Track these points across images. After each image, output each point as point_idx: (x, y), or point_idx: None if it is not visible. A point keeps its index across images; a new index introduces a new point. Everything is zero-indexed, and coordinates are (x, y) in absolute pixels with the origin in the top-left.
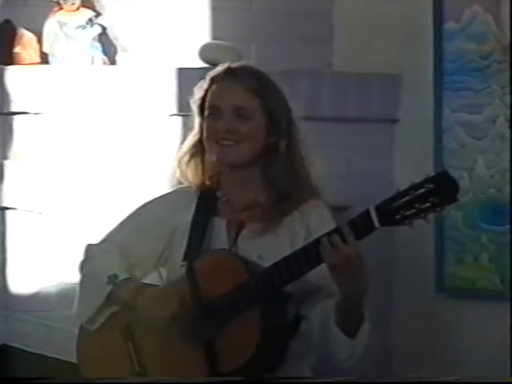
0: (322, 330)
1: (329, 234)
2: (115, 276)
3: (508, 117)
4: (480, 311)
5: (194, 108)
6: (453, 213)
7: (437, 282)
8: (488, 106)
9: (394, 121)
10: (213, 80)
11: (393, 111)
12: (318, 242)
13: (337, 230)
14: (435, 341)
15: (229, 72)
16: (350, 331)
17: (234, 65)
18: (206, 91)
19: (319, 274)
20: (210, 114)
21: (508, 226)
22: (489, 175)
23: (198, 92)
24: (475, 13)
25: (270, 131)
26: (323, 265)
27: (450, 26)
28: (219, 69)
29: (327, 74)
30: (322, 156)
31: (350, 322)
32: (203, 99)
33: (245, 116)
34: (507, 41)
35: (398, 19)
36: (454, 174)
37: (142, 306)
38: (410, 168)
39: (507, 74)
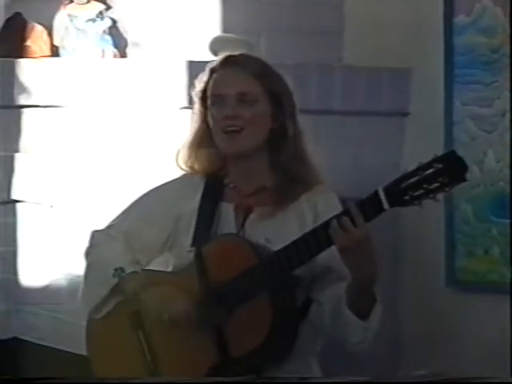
0: (334, 313)
1: (338, 217)
2: (121, 269)
3: None
4: (491, 304)
5: (196, 100)
6: (463, 206)
7: (447, 276)
8: (497, 100)
9: (405, 114)
10: (213, 70)
11: (403, 104)
12: (327, 224)
13: (346, 212)
14: (445, 334)
15: (230, 60)
16: (362, 314)
17: (235, 53)
18: (207, 82)
19: (329, 256)
20: (214, 102)
21: None
22: (498, 168)
23: (199, 84)
24: (485, 6)
25: (276, 116)
26: (333, 247)
27: (460, 19)
28: (218, 59)
29: (337, 68)
30: (332, 149)
31: (361, 305)
32: (204, 91)
33: (249, 101)
34: None
35: (409, 13)
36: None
37: (149, 304)
38: (420, 161)
39: None
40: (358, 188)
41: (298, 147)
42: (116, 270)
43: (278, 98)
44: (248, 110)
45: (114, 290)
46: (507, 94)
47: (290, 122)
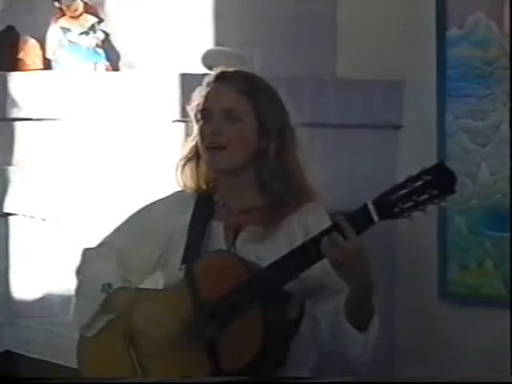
0: (332, 327)
1: (328, 232)
2: (109, 285)
3: None
4: (484, 317)
5: (191, 114)
6: (456, 219)
7: (440, 288)
8: (492, 113)
9: (398, 127)
10: (207, 85)
11: (396, 117)
12: (316, 238)
13: (335, 227)
14: (438, 346)
15: (220, 75)
16: (361, 326)
17: (227, 69)
18: (202, 96)
19: (321, 271)
20: (201, 118)
21: None
22: (493, 181)
23: (196, 98)
24: (478, 19)
25: (262, 135)
26: (325, 263)
27: (453, 32)
28: (213, 74)
29: (331, 81)
30: (326, 162)
31: (360, 317)
32: (199, 104)
33: (234, 118)
34: None
35: (402, 26)
36: (457, 180)
37: (138, 324)
38: (412, 173)
39: None
40: (353, 200)
41: (282, 165)
42: (104, 285)
43: (265, 117)
44: (232, 127)
45: (104, 307)
46: (502, 106)
47: (274, 141)
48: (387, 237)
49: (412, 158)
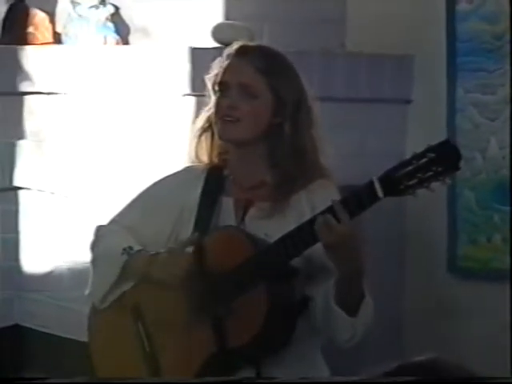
0: (325, 309)
1: (323, 213)
2: (130, 248)
3: None
4: (493, 291)
5: (209, 84)
6: (466, 193)
7: (450, 263)
8: (501, 87)
9: (408, 101)
10: (227, 57)
11: (406, 92)
12: (322, 213)
13: (330, 209)
14: (448, 320)
15: (241, 50)
16: (351, 310)
17: (249, 44)
18: (221, 67)
19: (322, 253)
20: (218, 90)
21: None
22: (501, 156)
23: (215, 68)
24: None
25: (276, 112)
26: None
27: (462, 6)
28: (232, 47)
29: (340, 55)
30: (335, 136)
31: (349, 301)
32: (217, 75)
33: (250, 94)
34: None
35: (411, 0)
36: (467, 154)
37: (155, 271)
38: (423, 148)
39: None
40: (361, 175)
41: (296, 144)
42: (125, 248)
43: (281, 95)
44: (248, 102)
45: (124, 272)
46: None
47: (290, 119)
48: (397, 212)
49: (421, 132)
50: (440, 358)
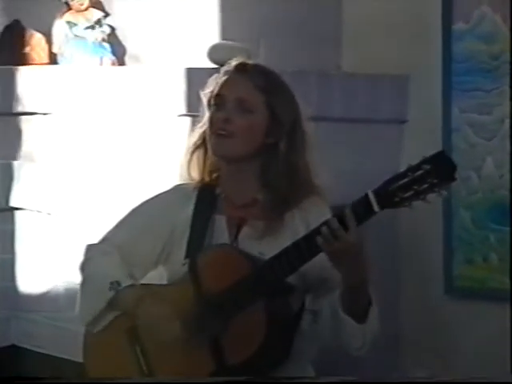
0: (332, 320)
1: (329, 222)
2: (117, 283)
3: None
4: (489, 312)
5: (204, 100)
6: (462, 213)
7: (446, 283)
8: (497, 107)
9: (403, 121)
10: (225, 73)
11: (402, 112)
12: (318, 230)
13: (338, 218)
14: (444, 340)
15: (240, 67)
16: (359, 317)
17: (248, 61)
18: (217, 83)
19: (322, 266)
20: (214, 104)
21: None
22: (498, 175)
23: (211, 84)
24: (484, 13)
25: (271, 131)
26: (323, 257)
27: (459, 26)
28: (232, 63)
29: (336, 75)
30: (330, 156)
31: (357, 308)
32: (213, 91)
33: (246, 109)
34: None
35: (407, 20)
36: (462, 174)
37: (144, 323)
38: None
39: None
40: (357, 194)
41: (289, 164)
42: (112, 283)
43: (278, 114)
44: (243, 117)
45: (111, 304)
46: (507, 100)
47: (284, 139)
48: (392, 231)
49: (417, 152)
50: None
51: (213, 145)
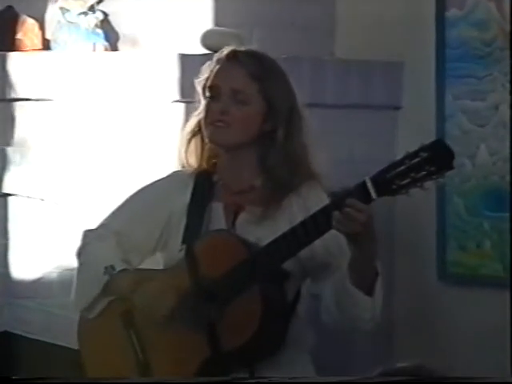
0: (339, 299)
1: (338, 206)
2: (112, 267)
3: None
4: (482, 298)
5: (199, 88)
6: (455, 200)
7: (439, 269)
8: (491, 93)
9: (397, 108)
10: (218, 61)
11: (395, 98)
12: (315, 216)
13: (335, 204)
14: (437, 327)
15: (232, 55)
16: (368, 290)
17: (240, 48)
18: (211, 71)
19: (325, 251)
20: (209, 94)
21: None
22: (491, 162)
23: (205, 72)
24: (478, 0)
25: (268, 118)
26: (327, 242)
27: (452, 12)
28: (223, 52)
29: (329, 61)
30: (324, 143)
31: (365, 281)
32: (207, 79)
33: (242, 101)
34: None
35: (401, 6)
36: (456, 161)
37: (140, 302)
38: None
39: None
40: (351, 181)
41: (287, 150)
42: (106, 268)
43: (274, 101)
44: (239, 108)
45: (106, 289)
46: (500, 87)
47: (282, 126)
48: (386, 218)
49: (411, 138)
50: (424, 364)
51: (209, 134)
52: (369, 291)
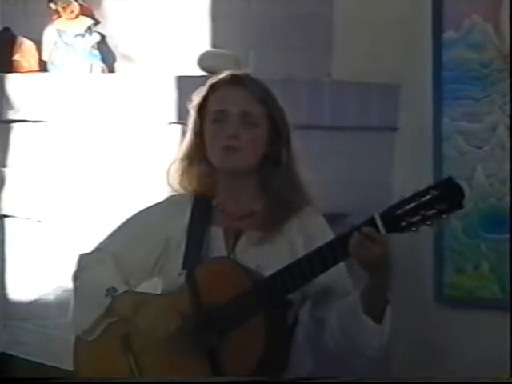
0: (346, 325)
1: (354, 238)
2: (114, 289)
3: (508, 125)
4: (479, 320)
5: (193, 114)
6: (452, 222)
7: (436, 291)
8: (488, 115)
9: (394, 129)
10: (213, 87)
11: (392, 120)
12: (320, 250)
13: (344, 238)
14: (434, 349)
15: (234, 79)
16: (377, 318)
17: (238, 72)
18: (205, 98)
19: (328, 277)
20: (215, 119)
21: (508, 235)
22: (488, 184)
23: (196, 98)
24: (474, 22)
25: (272, 141)
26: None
27: (449, 34)
28: (220, 76)
29: (326, 83)
30: (321, 164)
31: (376, 309)
32: (201, 105)
33: (251, 123)
34: (507, 50)
35: (398, 28)
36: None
37: (141, 323)
38: (409, 176)
39: (507, 82)
40: (347, 202)
41: (290, 173)
42: (108, 289)
43: (277, 124)
44: (249, 131)
45: (107, 311)
46: (497, 108)
47: (285, 149)
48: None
49: (408, 160)
50: None
51: (220, 159)
52: (378, 319)
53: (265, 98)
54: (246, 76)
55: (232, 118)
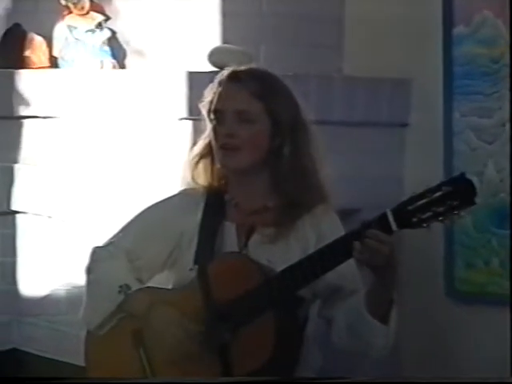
0: (352, 324)
1: (358, 237)
2: (127, 286)
3: None
4: (490, 316)
5: (203, 111)
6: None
7: (446, 287)
8: (498, 110)
9: (404, 125)
10: (219, 83)
11: (403, 115)
12: (332, 245)
13: (355, 234)
14: (445, 345)
15: (233, 76)
16: (383, 318)
17: (240, 68)
18: (214, 94)
19: (337, 275)
20: (214, 118)
21: None
22: (499, 179)
23: (208, 95)
24: (485, 17)
25: (274, 135)
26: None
27: (459, 29)
28: (224, 73)
29: (337, 79)
30: (332, 160)
31: (382, 309)
32: (211, 102)
33: (247, 120)
34: None
35: (408, 23)
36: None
37: (155, 326)
38: (420, 172)
39: None
40: (358, 198)
41: (295, 163)
42: (121, 286)
43: (278, 117)
44: (246, 129)
45: (120, 307)
46: (508, 104)
47: (288, 139)
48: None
49: (418, 156)
50: None
51: (220, 159)
52: (384, 319)
53: (263, 92)
54: (247, 71)
55: (227, 117)
